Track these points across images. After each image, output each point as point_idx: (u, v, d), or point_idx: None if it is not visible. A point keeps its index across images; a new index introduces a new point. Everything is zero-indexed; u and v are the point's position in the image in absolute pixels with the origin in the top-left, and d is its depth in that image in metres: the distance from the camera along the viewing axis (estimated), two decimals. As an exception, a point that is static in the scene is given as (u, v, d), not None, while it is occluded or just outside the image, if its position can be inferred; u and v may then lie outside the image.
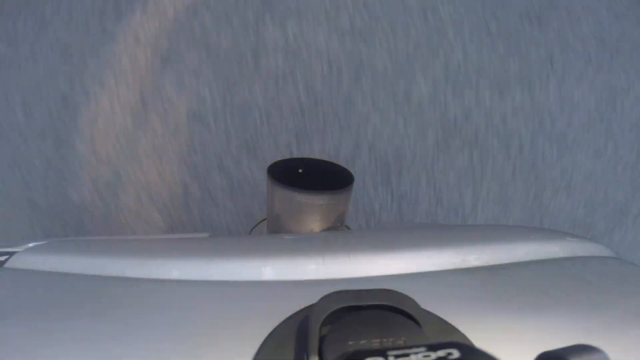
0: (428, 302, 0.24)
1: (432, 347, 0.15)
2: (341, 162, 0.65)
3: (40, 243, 0.38)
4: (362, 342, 0.19)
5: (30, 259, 0.34)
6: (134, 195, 1.33)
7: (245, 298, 0.27)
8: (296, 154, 1.35)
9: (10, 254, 0.35)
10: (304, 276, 0.29)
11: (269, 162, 0.51)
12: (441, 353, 0.15)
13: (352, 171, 0.51)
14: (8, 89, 1.37)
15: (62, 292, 0.29)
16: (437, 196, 1.35)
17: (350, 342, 0.19)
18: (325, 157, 1.33)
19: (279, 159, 0.53)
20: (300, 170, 0.52)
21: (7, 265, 0.33)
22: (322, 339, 0.21)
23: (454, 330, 0.23)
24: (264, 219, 0.70)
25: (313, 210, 0.45)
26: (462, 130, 1.36)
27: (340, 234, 0.45)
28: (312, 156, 1.17)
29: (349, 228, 0.61)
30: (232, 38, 1.35)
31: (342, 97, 1.35)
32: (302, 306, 0.24)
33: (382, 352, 0.15)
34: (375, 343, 0.19)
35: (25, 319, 0.25)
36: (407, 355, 0.15)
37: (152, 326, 0.24)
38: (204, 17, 1.36)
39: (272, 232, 0.52)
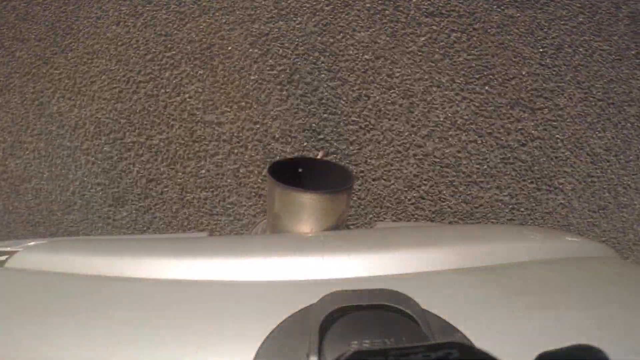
0: (428, 302, 0.24)
1: (432, 347, 0.15)
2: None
3: (40, 243, 0.38)
4: (363, 342, 0.19)
5: (30, 259, 0.34)
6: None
7: (245, 298, 0.27)
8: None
9: (10, 254, 0.35)
10: (304, 276, 0.29)
11: None
12: (441, 353, 0.15)
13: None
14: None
15: (62, 292, 0.29)
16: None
17: (351, 342, 0.19)
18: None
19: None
20: (300, 170, 0.52)
21: (7, 265, 0.33)
22: (322, 339, 0.21)
23: (454, 330, 0.23)
24: (263, 219, 0.70)
25: (313, 210, 0.45)
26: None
27: (340, 233, 0.45)
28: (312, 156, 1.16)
29: (349, 228, 0.61)
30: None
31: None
32: (302, 306, 0.24)
33: (382, 353, 0.15)
34: (375, 343, 0.19)
35: (25, 319, 0.26)
36: (406, 355, 0.15)
37: (152, 326, 0.24)
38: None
39: (272, 232, 0.52)
